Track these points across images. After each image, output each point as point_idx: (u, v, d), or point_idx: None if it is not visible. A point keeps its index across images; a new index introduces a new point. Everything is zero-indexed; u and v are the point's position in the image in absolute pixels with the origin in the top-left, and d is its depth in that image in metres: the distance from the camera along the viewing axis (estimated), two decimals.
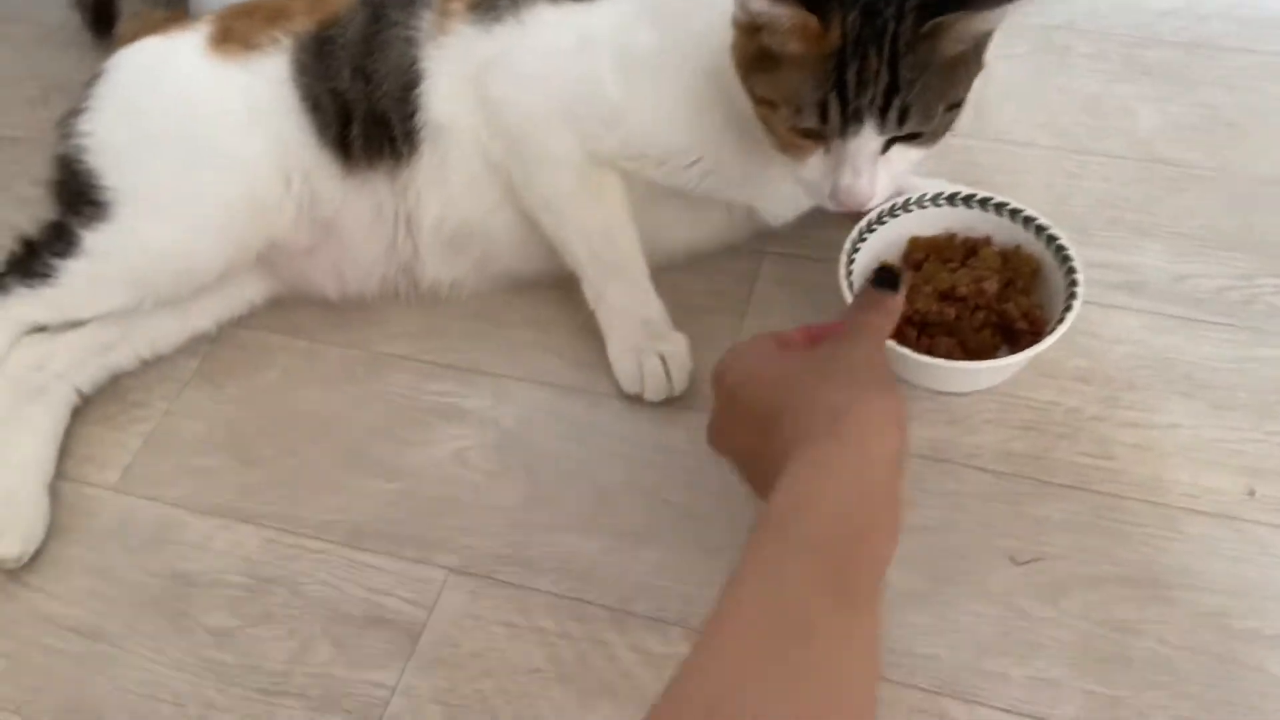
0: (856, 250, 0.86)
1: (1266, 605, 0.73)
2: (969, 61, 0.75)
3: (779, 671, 0.46)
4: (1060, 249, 0.83)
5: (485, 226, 0.92)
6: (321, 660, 0.75)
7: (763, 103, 0.77)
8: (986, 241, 0.87)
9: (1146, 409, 0.83)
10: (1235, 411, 0.82)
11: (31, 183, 0.96)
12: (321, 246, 0.93)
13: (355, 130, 0.90)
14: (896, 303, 0.69)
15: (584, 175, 0.88)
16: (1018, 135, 1.03)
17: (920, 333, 0.83)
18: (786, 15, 0.70)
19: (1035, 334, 0.81)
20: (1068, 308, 0.80)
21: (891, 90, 0.72)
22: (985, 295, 0.83)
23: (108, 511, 0.85)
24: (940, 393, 0.84)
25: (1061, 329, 0.78)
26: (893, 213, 0.87)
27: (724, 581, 0.51)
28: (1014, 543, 0.77)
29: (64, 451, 0.88)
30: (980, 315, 0.83)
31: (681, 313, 0.90)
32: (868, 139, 0.74)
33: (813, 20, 0.70)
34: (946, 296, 0.83)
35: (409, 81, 0.89)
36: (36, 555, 0.82)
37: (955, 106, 0.77)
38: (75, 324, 0.90)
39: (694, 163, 0.87)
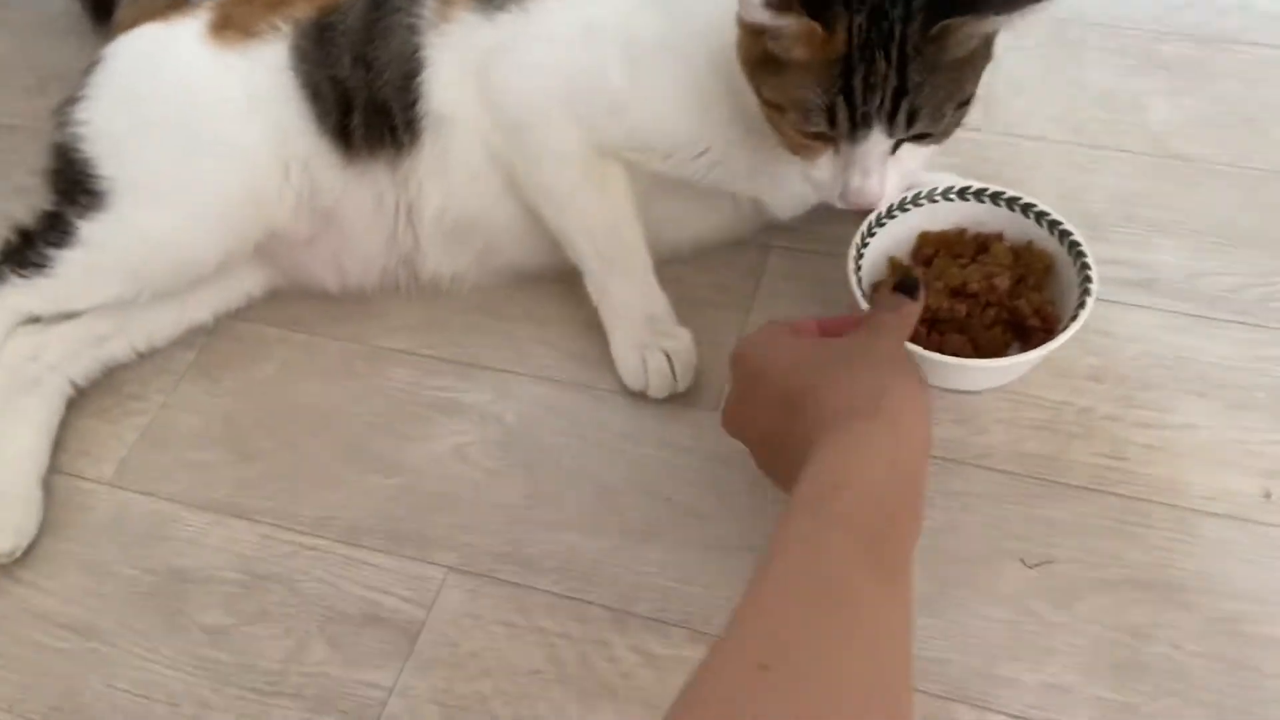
0: (865, 245, 0.84)
1: None
2: (978, 58, 0.74)
3: (826, 632, 0.47)
4: (1074, 245, 0.81)
5: (487, 218, 0.90)
6: (317, 660, 0.74)
7: (770, 105, 0.76)
8: (998, 237, 0.85)
9: (1161, 409, 0.81)
10: (1252, 412, 0.81)
11: (29, 172, 0.94)
12: (321, 237, 0.91)
13: (356, 119, 0.88)
14: (915, 309, 0.70)
15: (588, 167, 0.87)
16: (1029, 129, 1.02)
17: (930, 330, 0.81)
18: (789, 24, 0.69)
19: (1048, 331, 0.79)
20: (1081, 305, 0.78)
21: (900, 93, 0.71)
22: (997, 292, 0.81)
23: (102, 506, 0.84)
24: (950, 391, 0.83)
25: (1075, 327, 0.76)
26: (902, 207, 0.85)
27: (752, 564, 0.52)
28: (1025, 545, 0.75)
29: (58, 445, 0.87)
30: (991, 312, 0.81)
31: (686, 307, 0.88)
32: (877, 142, 0.74)
33: (817, 28, 0.69)
34: (957, 293, 0.82)
35: (410, 70, 0.87)
36: (29, 550, 0.81)
37: (965, 104, 0.76)
38: (70, 315, 0.89)
39: (700, 154, 0.85)
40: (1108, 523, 0.76)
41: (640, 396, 0.85)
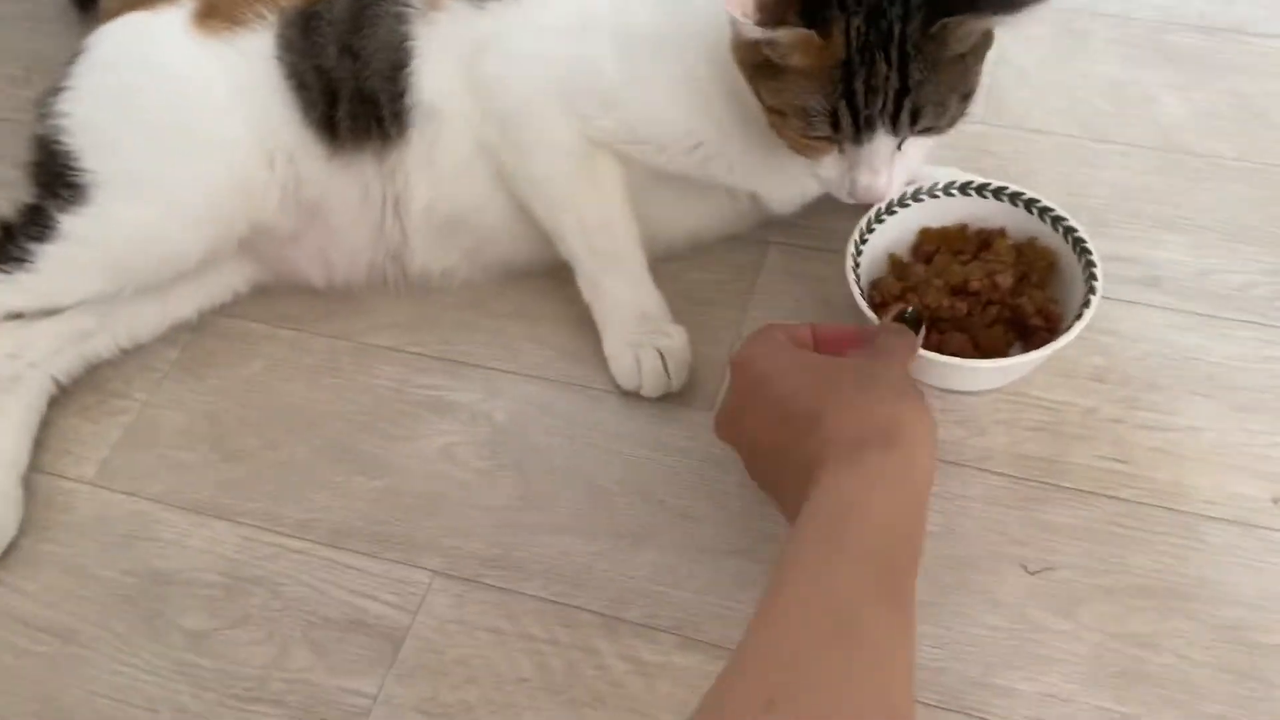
0: (864, 243, 0.82)
1: None
2: (980, 51, 0.73)
3: (835, 669, 0.47)
4: (1079, 241, 0.79)
5: (476, 213, 0.88)
6: (300, 666, 0.72)
7: (771, 111, 0.75)
8: (1000, 233, 0.83)
9: (1167, 411, 0.79)
10: (1260, 414, 0.78)
11: (12, 165, 0.92)
12: (307, 231, 0.89)
13: (342, 110, 0.86)
14: (918, 341, 0.70)
15: (580, 160, 0.84)
16: (1034, 122, 0.99)
17: (931, 329, 0.79)
18: (785, 35, 0.68)
19: (1050, 330, 0.78)
20: (1086, 304, 0.76)
21: (902, 93, 0.70)
22: (998, 290, 0.79)
23: (83, 507, 0.82)
24: (950, 391, 0.81)
25: (1079, 326, 0.74)
26: (903, 203, 0.83)
27: (744, 570, 0.56)
28: (1025, 550, 0.73)
29: (39, 443, 0.85)
30: (993, 311, 0.79)
31: (681, 304, 0.86)
32: (882, 142, 0.73)
33: (814, 36, 0.68)
34: (958, 291, 0.80)
35: (398, 60, 0.85)
36: (8, 551, 0.79)
37: (968, 95, 0.74)
38: (53, 311, 0.86)
39: (695, 148, 0.83)
40: (1111, 528, 0.74)
41: (633, 396, 0.83)
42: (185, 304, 0.92)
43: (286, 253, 0.90)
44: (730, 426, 0.67)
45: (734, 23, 0.71)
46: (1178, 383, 0.81)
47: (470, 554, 0.76)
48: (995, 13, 0.68)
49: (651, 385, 0.82)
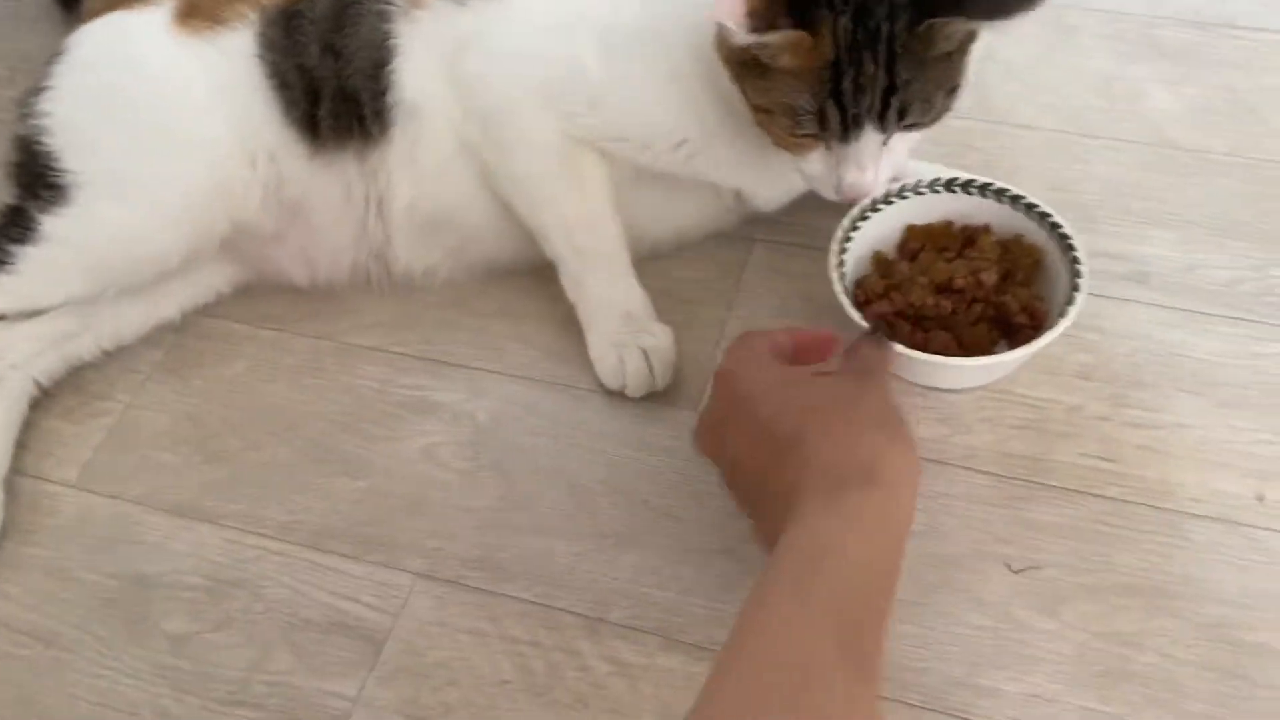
0: (848, 240, 0.82)
1: (1275, 617, 0.69)
2: (965, 47, 0.73)
3: None
4: (1064, 238, 0.79)
5: (459, 211, 0.87)
6: (281, 669, 0.72)
7: (758, 109, 0.75)
8: (986, 230, 0.83)
9: (1153, 408, 0.79)
10: (1245, 411, 0.78)
11: None
12: (289, 231, 0.88)
13: (324, 109, 0.85)
14: (894, 354, 0.69)
15: (564, 159, 0.84)
16: (1022, 117, 0.98)
17: (915, 327, 0.79)
18: (776, 38, 0.68)
19: (1035, 328, 0.77)
20: (1070, 301, 0.76)
21: (890, 91, 0.70)
22: (983, 288, 0.79)
23: (66, 509, 0.82)
24: (934, 389, 0.80)
25: (1064, 324, 0.74)
26: (887, 200, 0.83)
27: (727, 571, 0.55)
28: (1010, 549, 0.73)
29: (21, 446, 0.84)
30: (978, 308, 0.79)
31: (666, 303, 0.86)
32: (869, 139, 0.73)
33: (805, 37, 0.68)
34: (942, 289, 0.79)
35: (380, 58, 0.85)
36: None
37: (954, 90, 0.74)
38: (34, 313, 0.86)
39: (679, 145, 0.83)
40: (1096, 526, 0.74)
41: (618, 395, 0.83)
42: (168, 305, 0.91)
43: (269, 252, 0.90)
44: (711, 441, 0.66)
45: (721, 30, 0.70)
46: (1164, 379, 0.80)
47: (452, 555, 0.76)
48: (982, 18, 0.69)
49: (636, 385, 0.82)
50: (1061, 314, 0.75)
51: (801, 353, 0.67)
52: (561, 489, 0.79)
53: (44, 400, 0.87)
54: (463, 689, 0.70)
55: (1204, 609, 0.70)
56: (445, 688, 0.70)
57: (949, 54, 0.71)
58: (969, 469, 0.77)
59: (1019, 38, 1.04)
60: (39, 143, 0.86)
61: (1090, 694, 0.67)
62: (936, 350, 0.76)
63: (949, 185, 0.84)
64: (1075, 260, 0.77)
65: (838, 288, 0.78)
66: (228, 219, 0.86)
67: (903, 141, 0.76)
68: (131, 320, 0.90)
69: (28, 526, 0.81)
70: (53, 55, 0.90)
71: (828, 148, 0.75)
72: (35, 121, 0.86)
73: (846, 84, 0.70)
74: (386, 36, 0.85)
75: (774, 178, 0.85)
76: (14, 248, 0.84)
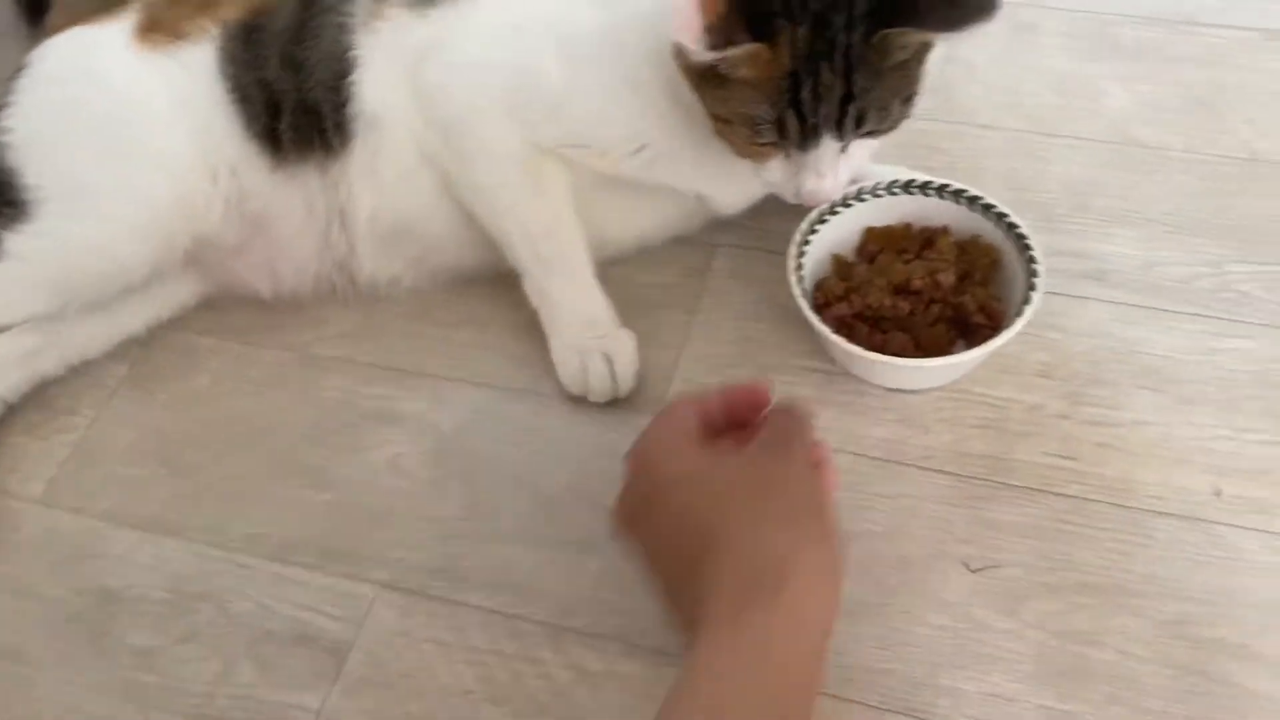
0: (807, 244, 0.82)
1: (1233, 613, 0.69)
2: (922, 55, 0.73)
3: None
4: (1020, 238, 0.80)
5: (422, 220, 0.88)
6: (245, 681, 0.72)
7: (717, 118, 0.75)
8: (944, 231, 0.83)
9: (1112, 405, 0.79)
10: (1203, 406, 0.78)
11: None
12: (252, 244, 0.89)
13: (284, 122, 0.85)
14: (809, 428, 0.63)
15: (524, 167, 0.84)
16: (983, 118, 0.99)
17: (873, 328, 0.80)
18: (735, 53, 0.68)
19: (993, 328, 0.78)
20: (1027, 300, 0.76)
21: (847, 100, 0.71)
22: (940, 288, 0.79)
23: (31, 525, 0.82)
24: (892, 390, 0.81)
25: (1019, 324, 0.75)
26: (846, 202, 0.84)
27: None
28: (970, 549, 0.73)
29: None
30: (935, 309, 0.80)
31: (629, 308, 0.86)
32: (828, 147, 0.74)
33: (764, 49, 0.69)
34: (900, 290, 0.80)
35: (341, 70, 0.85)
36: None
37: (911, 98, 0.75)
38: None
39: (640, 150, 0.83)
40: (1055, 525, 0.74)
41: (581, 401, 0.83)
42: (133, 319, 0.91)
43: (232, 265, 0.90)
44: (627, 526, 0.62)
45: (680, 48, 0.70)
46: (1123, 376, 0.81)
47: (416, 565, 0.76)
48: (938, 28, 0.69)
49: (598, 391, 0.82)
50: (1019, 313, 0.76)
51: (734, 411, 0.65)
52: (525, 497, 0.79)
53: (8, 416, 0.87)
54: (426, 700, 0.70)
55: (1163, 606, 0.70)
56: (408, 699, 0.70)
57: (905, 62, 0.72)
58: (928, 469, 0.77)
59: (980, 40, 1.04)
60: (0, 159, 0.86)
61: (1049, 692, 0.67)
62: (894, 351, 0.77)
63: (907, 187, 0.84)
64: (1031, 260, 0.78)
65: (796, 292, 0.79)
66: (190, 233, 0.86)
67: (861, 148, 0.76)
68: (96, 335, 0.90)
69: None
70: (16, 70, 0.90)
71: (787, 155, 0.76)
72: None
73: (805, 94, 0.70)
74: (347, 48, 0.85)
75: (735, 182, 0.85)
76: None
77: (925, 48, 0.73)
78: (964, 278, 0.80)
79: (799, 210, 0.82)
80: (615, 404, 0.83)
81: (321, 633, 0.74)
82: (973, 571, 0.72)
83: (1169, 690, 0.67)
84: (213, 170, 0.86)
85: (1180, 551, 0.72)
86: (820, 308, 0.80)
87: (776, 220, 0.88)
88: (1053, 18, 1.07)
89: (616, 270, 0.88)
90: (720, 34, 0.67)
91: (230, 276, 0.91)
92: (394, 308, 0.91)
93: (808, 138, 0.73)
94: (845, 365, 0.81)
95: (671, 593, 0.60)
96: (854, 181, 0.82)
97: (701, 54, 0.68)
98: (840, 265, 0.83)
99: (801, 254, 0.81)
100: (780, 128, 0.72)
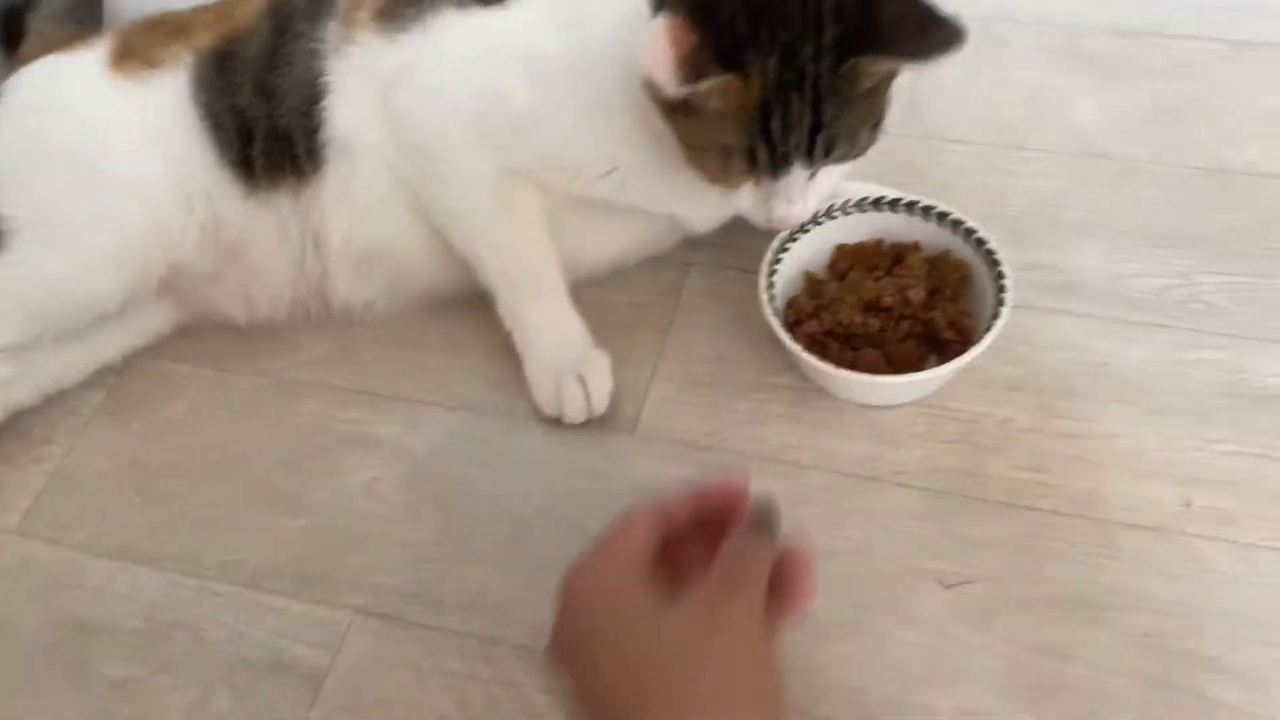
0: (779, 261, 0.83)
1: (1204, 624, 0.70)
2: (888, 81, 0.74)
3: None
4: (989, 253, 0.80)
5: (395, 244, 0.88)
6: (221, 710, 0.72)
7: (688, 147, 0.75)
8: (914, 247, 0.84)
9: (1083, 418, 0.80)
10: (1173, 418, 0.79)
11: None
12: (227, 270, 0.89)
13: (257, 149, 0.86)
14: (769, 553, 0.55)
15: (496, 190, 0.85)
16: (952, 132, 1.00)
17: (844, 345, 0.80)
18: (707, 85, 0.69)
19: (963, 343, 0.78)
20: (996, 316, 0.77)
21: (816, 129, 0.71)
22: (910, 305, 0.80)
23: (7, 555, 0.82)
24: (866, 406, 0.81)
25: (986, 340, 0.75)
26: (817, 220, 0.84)
27: None
28: (943, 565, 0.73)
29: None
30: (906, 325, 0.80)
31: (603, 328, 0.86)
32: (798, 174, 0.74)
33: (736, 81, 0.69)
34: (871, 307, 0.81)
35: (313, 96, 0.85)
36: None
37: (879, 124, 0.76)
38: None
39: (610, 173, 0.83)
40: (1027, 539, 0.74)
41: (556, 422, 0.83)
42: (108, 347, 0.91)
43: (207, 292, 0.90)
44: (556, 665, 0.55)
45: (650, 83, 0.71)
46: (1093, 389, 0.81)
47: (391, 590, 0.76)
48: (906, 57, 0.70)
49: (573, 412, 0.82)
50: (988, 329, 0.76)
51: (706, 512, 0.59)
52: (500, 519, 0.79)
53: None
54: None
55: (1135, 619, 0.70)
56: None
57: (873, 89, 0.73)
58: (902, 485, 0.77)
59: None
60: None
61: (1022, 707, 0.67)
62: (866, 368, 0.77)
63: (878, 204, 0.85)
64: (1000, 275, 0.78)
65: (767, 310, 0.79)
66: (165, 261, 0.87)
67: (831, 173, 0.77)
68: (71, 364, 0.90)
69: None
70: None
71: (758, 182, 0.76)
72: None
73: (775, 123, 0.71)
74: (318, 74, 0.85)
75: (707, 201, 0.85)
76: None
77: (893, 74, 0.73)
78: (934, 293, 0.81)
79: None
80: (590, 425, 0.83)
81: (298, 660, 0.74)
82: (947, 587, 0.72)
83: (1141, 703, 0.67)
84: (187, 198, 0.86)
85: (1151, 564, 0.73)
86: (792, 325, 0.81)
87: (749, 238, 0.88)
88: (1022, 31, 1.08)
89: (590, 290, 0.88)
90: (693, 68, 0.68)
91: (205, 303, 0.91)
92: (369, 331, 0.91)
93: (778, 166, 0.73)
94: (817, 382, 0.81)
95: None
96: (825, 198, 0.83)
97: (674, 88, 0.69)
98: (811, 282, 0.84)
99: (773, 272, 0.82)
100: (751, 156, 0.73)
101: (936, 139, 0.99)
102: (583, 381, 0.83)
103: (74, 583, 0.80)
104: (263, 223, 0.87)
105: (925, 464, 0.78)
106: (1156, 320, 0.84)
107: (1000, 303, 0.77)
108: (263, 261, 0.89)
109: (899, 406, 0.81)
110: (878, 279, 0.82)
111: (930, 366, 0.78)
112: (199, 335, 0.92)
